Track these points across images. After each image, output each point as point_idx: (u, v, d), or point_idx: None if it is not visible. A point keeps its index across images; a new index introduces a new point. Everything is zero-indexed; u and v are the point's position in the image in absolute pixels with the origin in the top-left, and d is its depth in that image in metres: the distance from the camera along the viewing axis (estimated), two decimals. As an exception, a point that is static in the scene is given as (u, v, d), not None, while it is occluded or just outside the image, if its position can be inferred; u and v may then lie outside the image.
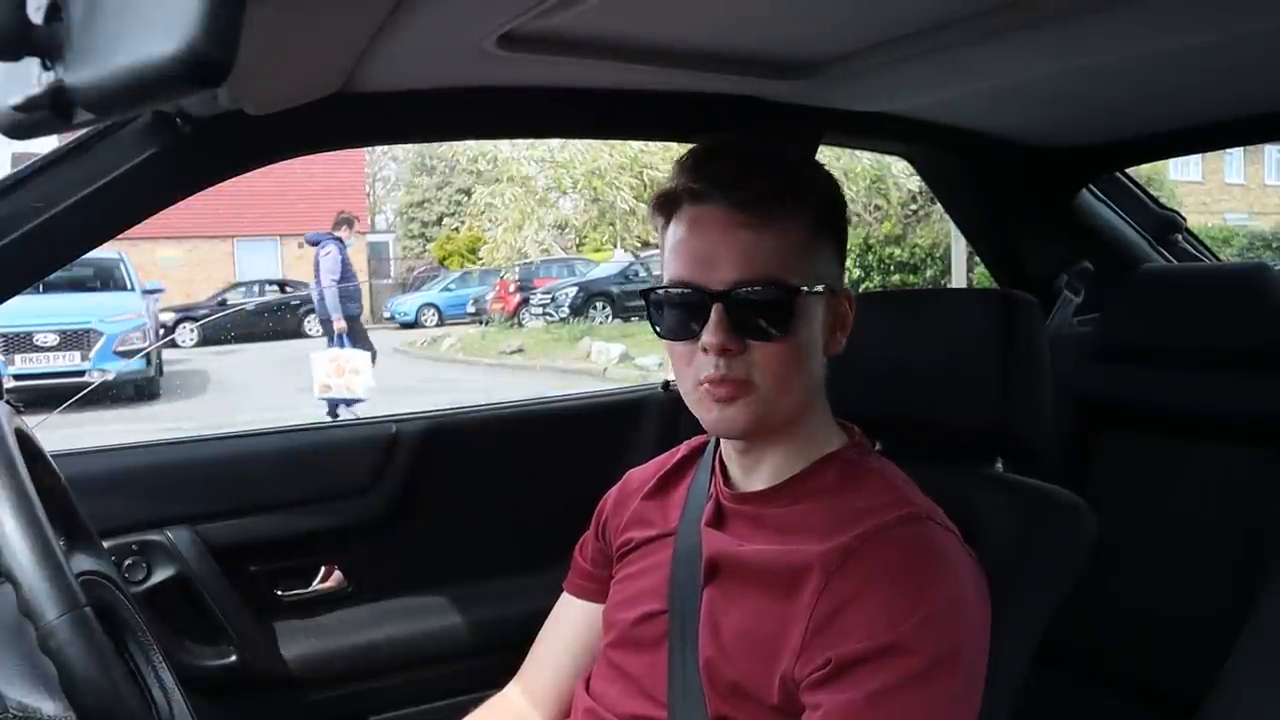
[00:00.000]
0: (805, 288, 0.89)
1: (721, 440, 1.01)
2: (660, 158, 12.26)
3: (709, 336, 0.87)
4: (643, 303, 0.95)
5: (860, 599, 0.83)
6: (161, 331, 12.59)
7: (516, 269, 15.72)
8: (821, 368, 0.95)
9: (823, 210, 0.92)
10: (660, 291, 0.92)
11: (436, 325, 17.90)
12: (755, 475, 0.97)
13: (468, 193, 20.87)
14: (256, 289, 19.20)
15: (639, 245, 15.42)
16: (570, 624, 1.13)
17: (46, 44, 0.47)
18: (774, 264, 0.87)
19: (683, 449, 1.11)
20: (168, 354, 12.48)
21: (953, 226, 2.90)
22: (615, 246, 16.23)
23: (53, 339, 9.39)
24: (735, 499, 0.98)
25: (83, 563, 0.90)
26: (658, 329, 0.93)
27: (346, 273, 7.98)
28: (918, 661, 0.79)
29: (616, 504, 1.12)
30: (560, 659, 1.12)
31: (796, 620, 0.85)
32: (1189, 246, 2.07)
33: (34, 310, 8.65)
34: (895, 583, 0.83)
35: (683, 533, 1.00)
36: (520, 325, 15.24)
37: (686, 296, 0.90)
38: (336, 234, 7.96)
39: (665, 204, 0.93)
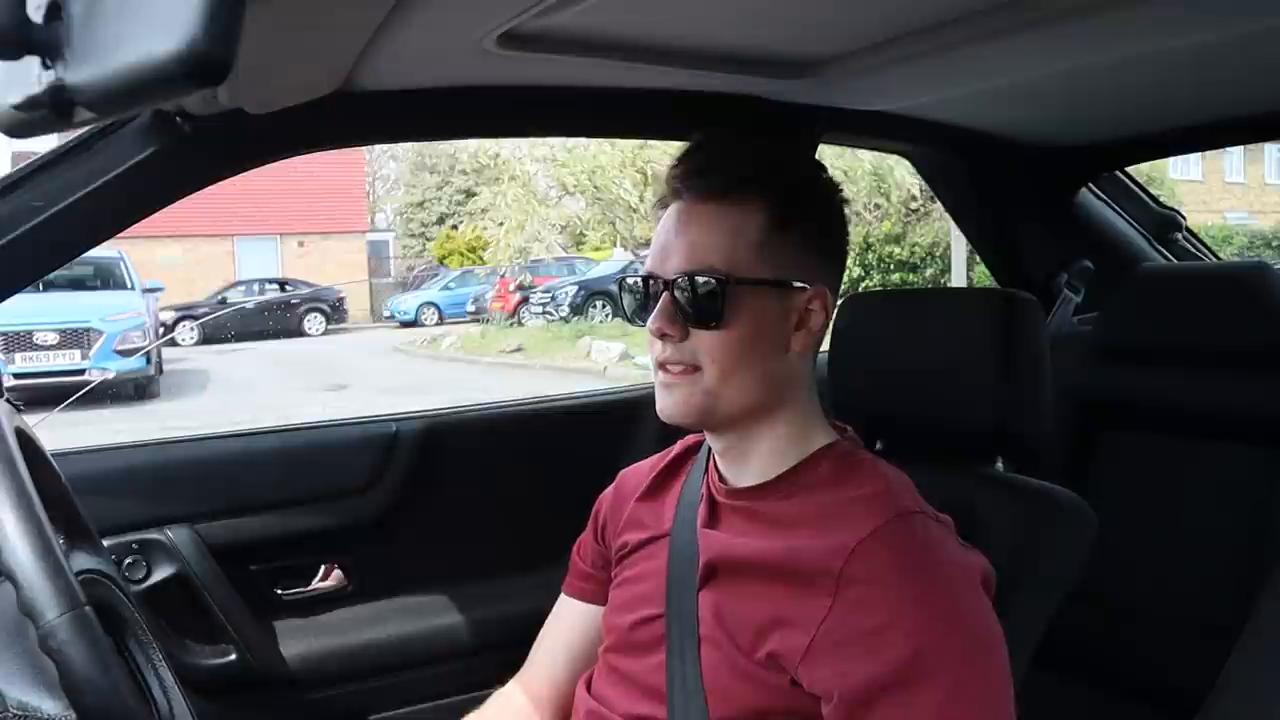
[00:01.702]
0: (743, 278, 0.89)
1: (708, 439, 1.01)
2: (661, 151, 12.23)
3: (651, 321, 0.92)
4: None
5: (866, 602, 0.82)
6: (161, 330, 12.60)
7: (518, 268, 15.72)
8: (794, 365, 0.95)
9: (786, 202, 0.91)
10: (628, 280, 0.98)
11: (436, 324, 17.90)
12: (745, 472, 0.97)
13: (468, 193, 20.86)
14: (256, 288, 19.19)
15: (639, 244, 15.40)
16: (570, 625, 1.13)
17: (46, 43, 0.47)
18: (716, 255, 0.90)
19: (677, 448, 1.11)
20: (168, 353, 12.45)
21: (953, 226, 2.89)
22: (615, 245, 16.21)
23: (53, 338, 9.37)
24: (729, 494, 0.98)
25: (83, 561, 0.90)
26: (623, 314, 0.99)
27: None
28: (941, 661, 0.78)
29: (613, 506, 1.12)
30: (560, 659, 1.12)
31: (799, 622, 0.84)
32: (1189, 245, 2.07)
33: (34, 309, 8.63)
34: (902, 582, 0.82)
35: (677, 533, 1.00)
36: (520, 324, 15.24)
37: (645, 286, 0.95)
38: None
39: (660, 202, 0.97)
